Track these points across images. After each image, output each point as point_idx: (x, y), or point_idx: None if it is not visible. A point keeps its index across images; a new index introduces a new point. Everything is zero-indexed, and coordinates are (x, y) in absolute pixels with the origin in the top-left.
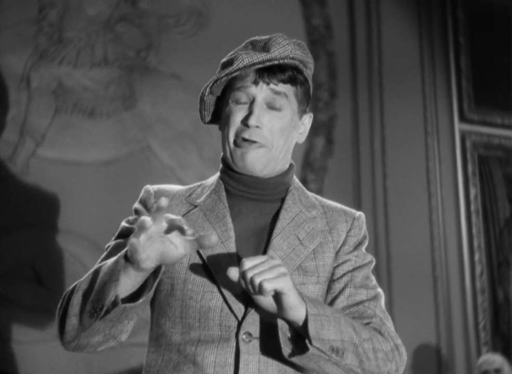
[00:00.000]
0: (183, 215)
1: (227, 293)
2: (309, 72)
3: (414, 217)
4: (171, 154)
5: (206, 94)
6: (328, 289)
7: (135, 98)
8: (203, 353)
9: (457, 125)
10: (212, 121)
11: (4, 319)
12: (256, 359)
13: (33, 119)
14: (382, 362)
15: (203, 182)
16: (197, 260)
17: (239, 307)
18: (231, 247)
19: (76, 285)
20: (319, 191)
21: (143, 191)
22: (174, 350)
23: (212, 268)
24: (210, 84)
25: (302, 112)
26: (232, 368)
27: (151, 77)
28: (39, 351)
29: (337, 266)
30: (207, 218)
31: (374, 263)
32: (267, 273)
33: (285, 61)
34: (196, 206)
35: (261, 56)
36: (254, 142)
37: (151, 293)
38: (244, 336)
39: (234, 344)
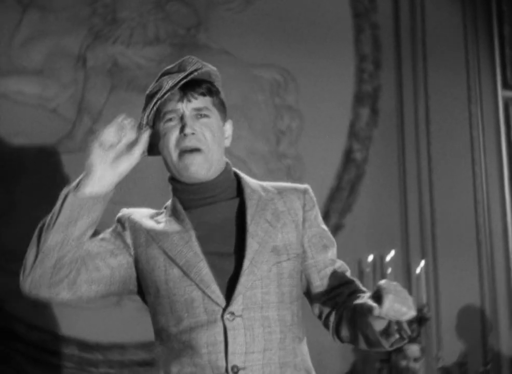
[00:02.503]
0: (150, 228)
1: (203, 285)
2: (219, 84)
3: (458, 183)
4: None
5: (143, 126)
6: (309, 263)
7: None
8: (196, 337)
9: (500, 92)
10: (150, 153)
11: None
12: (242, 332)
13: (90, 97)
14: None
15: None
16: (171, 263)
17: (216, 295)
18: (195, 245)
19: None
20: (364, 161)
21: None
22: (173, 340)
23: (184, 268)
24: (145, 118)
25: (223, 119)
26: (222, 344)
27: (201, 53)
28: (101, 317)
29: (310, 244)
30: (170, 226)
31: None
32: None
33: (200, 71)
34: (159, 222)
35: (181, 76)
36: (195, 149)
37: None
38: (228, 316)
39: (221, 323)
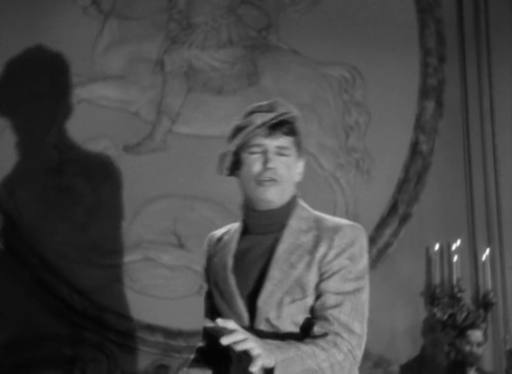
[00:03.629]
0: (212, 256)
1: (237, 315)
2: (300, 125)
3: None
4: None
5: (229, 152)
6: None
7: (258, 74)
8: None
9: None
10: (229, 174)
11: (151, 278)
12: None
13: (168, 99)
14: (339, 371)
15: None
16: (219, 297)
17: (247, 324)
18: (228, 276)
19: None
20: (430, 152)
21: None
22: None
23: (228, 303)
24: (233, 145)
25: (299, 157)
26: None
27: (272, 54)
28: (182, 306)
29: (324, 275)
30: (221, 256)
31: (359, 264)
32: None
33: (288, 116)
34: (220, 243)
35: (271, 116)
36: (273, 180)
37: None
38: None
39: None
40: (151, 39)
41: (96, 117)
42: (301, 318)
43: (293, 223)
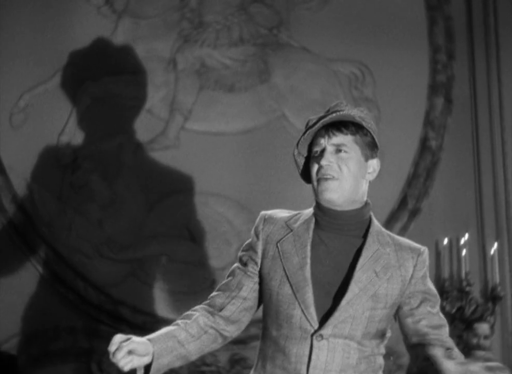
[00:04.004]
0: (280, 239)
1: (303, 306)
2: (370, 126)
3: None
4: (303, 120)
5: (296, 154)
6: (406, 310)
7: (269, 72)
8: (289, 346)
9: None
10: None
11: (165, 273)
12: (325, 353)
13: (181, 97)
14: None
15: (302, 211)
16: (285, 280)
17: (311, 317)
18: (307, 272)
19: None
20: (439, 148)
21: (258, 217)
22: (272, 340)
23: (294, 288)
24: (295, 149)
25: (368, 156)
26: (307, 358)
27: (283, 52)
28: (195, 300)
29: (410, 296)
30: (295, 244)
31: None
32: None
33: (341, 114)
34: (291, 230)
35: (328, 117)
36: (330, 176)
37: None
38: (316, 337)
39: (310, 341)
40: (164, 37)
41: (110, 114)
42: (375, 325)
43: (373, 231)
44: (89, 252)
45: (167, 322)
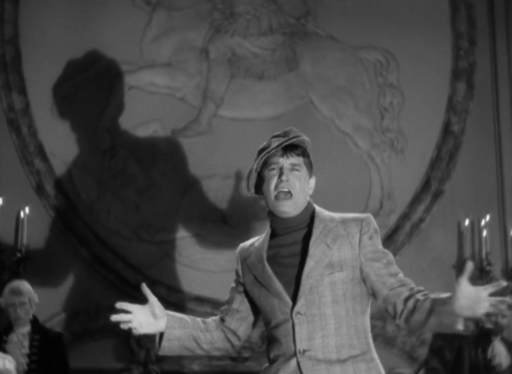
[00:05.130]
0: (247, 257)
1: (277, 295)
2: (310, 150)
3: None
4: (330, 106)
5: (253, 171)
6: (369, 271)
7: (297, 60)
8: (278, 332)
9: None
10: (255, 192)
11: (199, 253)
12: (305, 326)
13: (213, 85)
14: None
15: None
16: (260, 285)
17: (285, 300)
18: (267, 270)
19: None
20: (461, 132)
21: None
22: (270, 333)
23: (266, 287)
24: (255, 165)
25: (309, 175)
26: (291, 334)
27: (311, 40)
28: (227, 278)
29: (369, 260)
30: (256, 255)
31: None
32: None
33: (298, 139)
34: (254, 247)
35: (284, 139)
36: (287, 192)
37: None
38: (295, 314)
39: (291, 320)
40: (196, 28)
41: (146, 102)
42: (339, 288)
43: (319, 215)
44: (127, 235)
45: (200, 300)
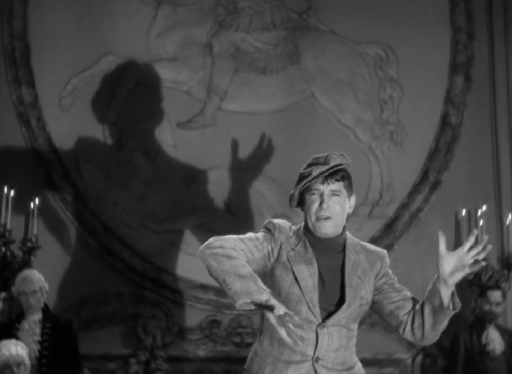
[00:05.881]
0: (288, 252)
1: (311, 305)
2: (351, 171)
3: None
4: (331, 100)
5: (295, 195)
6: (379, 296)
7: (299, 54)
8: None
9: None
10: (297, 206)
11: (203, 242)
12: (326, 338)
13: (217, 79)
14: None
15: (292, 228)
16: (295, 283)
17: (316, 313)
18: (316, 278)
19: (232, 255)
20: (459, 124)
21: (269, 223)
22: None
23: (303, 290)
24: (297, 191)
25: (349, 195)
26: (314, 342)
27: (312, 35)
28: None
29: (380, 288)
30: (301, 257)
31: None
32: None
33: (338, 167)
34: (295, 245)
35: (325, 168)
36: (328, 217)
37: None
38: (320, 327)
39: (315, 330)
40: (201, 23)
41: (151, 96)
42: (359, 317)
43: (349, 245)
44: (133, 224)
45: (205, 288)
